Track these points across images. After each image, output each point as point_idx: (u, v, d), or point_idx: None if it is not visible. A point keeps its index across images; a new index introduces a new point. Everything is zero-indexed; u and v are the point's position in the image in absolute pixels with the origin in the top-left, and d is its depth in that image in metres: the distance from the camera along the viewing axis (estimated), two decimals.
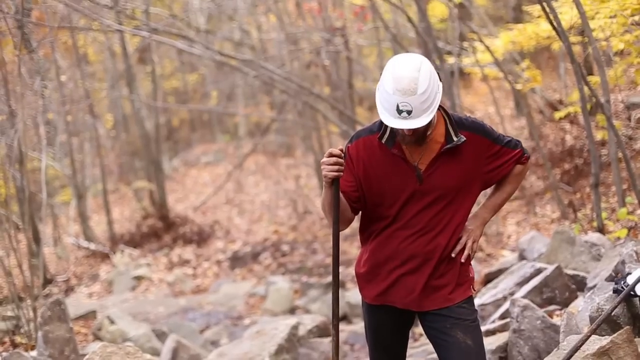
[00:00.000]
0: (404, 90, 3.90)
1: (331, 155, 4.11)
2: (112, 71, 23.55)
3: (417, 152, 4.16)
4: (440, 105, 4.16)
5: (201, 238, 19.05)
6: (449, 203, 4.20)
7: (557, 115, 12.07)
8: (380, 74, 13.92)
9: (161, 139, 24.34)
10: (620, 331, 4.52)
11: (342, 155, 4.13)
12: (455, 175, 4.17)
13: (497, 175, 4.30)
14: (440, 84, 4.05)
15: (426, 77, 3.92)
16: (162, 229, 19.89)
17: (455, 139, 4.15)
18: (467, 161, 4.19)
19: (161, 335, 11.02)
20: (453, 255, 4.24)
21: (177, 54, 26.20)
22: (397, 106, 3.93)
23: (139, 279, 16.46)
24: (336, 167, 4.10)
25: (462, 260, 4.26)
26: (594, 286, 5.59)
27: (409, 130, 4.01)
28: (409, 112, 3.92)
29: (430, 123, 4.06)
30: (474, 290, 4.38)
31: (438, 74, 4.07)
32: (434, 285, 4.24)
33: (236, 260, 17.17)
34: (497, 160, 4.27)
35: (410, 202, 4.21)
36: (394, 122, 3.97)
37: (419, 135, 4.07)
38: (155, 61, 23.76)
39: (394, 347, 4.47)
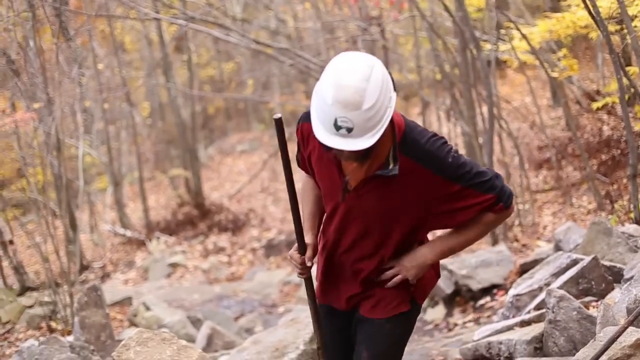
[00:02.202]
0: (347, 102, 3.17)
1: (298, 262, 3.78)
2: (148, 59, 23.67)
3: (354, 163, 3.50)
4: (392, 117, 3.45)
5: (236, 226, 19.14)
6: (371, 232, 3.65)
7: (595, 105, 11.96)
8: (416, 63, 13.74)
9: (197, 127, 24.48)
10: None
11: (305, 260, 3.75)
12: (383, 205, 3.56)
13: (454, 220, 3.62)
14: (394, 95, 3.32)
15: (376, 88, 3.20)
16: (197, 217, 20.02)
17: (390, 166, 3.47)
18: (406, 194, 3.53)
19: (196, 322, 11.09)
20: (376, 280, 3.78)
21: (214, 43, 26.28)
22: (336, 120, 3.20)
23: (174, 266, 16.57)
24: (300, 272, 3.82)
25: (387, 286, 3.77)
26: (631, 278, 5.53)
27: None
28: (349, 130, 3.20)
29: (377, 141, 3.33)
30: (419, 302, 3.90)
31: (392, 80, 3.36)
32: (361, 296, 3.86)
33: (271, 249, 17.24)
34: (456, 203, 3.54)
35: (336, 213, 3.72)
36: (329, 139, 3.25)
37: (361, 155, 3.36)
38: (192, 49, 23.88)
39: (334, 349, 4.02)
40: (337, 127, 3.21)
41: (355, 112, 3.17)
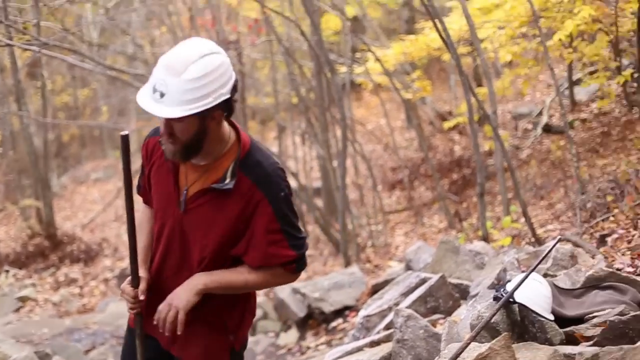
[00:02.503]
0: (169, 66, 3.16)
1: (130, 296, 3.53)
2: (0, 87, 22.95)
3: (193, 174, 3.44)
4: (239, 134, 3.44)
5: (89, 256, 18.67)
6: (196, 254, 3.47)
7: (446, 126, 12.17)
8: (273, 88, 13.75)
9: (50, 155, 23.83)
10: (498, 337, 4.45)
11: (137, 294, 3.51)
12: (211, 223, 3.41)
13: (253, 261, 3.46)
14: (226, 94, 3.24)
15: (205, 68, 3.15)
16: (48, 248, 19.44)
17: (226, 180, 3.36)
18: (235, 215, 3.39)
19: (44, 357, 10.63)
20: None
21: (69, 69, 25.70)
22: (155, 83, 3.19)
23: (23, 299, 16.02)
24: (132, 306, 3.55)
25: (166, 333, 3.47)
26: (477, 294, 5.57)
27: (164, 126, 3.27)
28: (162, 95, 3.16)
29: (197, 140, 3.29)
30: (238, 350, 3.69)
31: (236, 84, 3.32)
32: (184, 333, 3.50)
33: (124, 278, 16.55)
34: (264, 246, 3.41)
35: (164, 231, 3.54)
36: (143, 99, 3.22)
37: (180, 147, 3.30)
38: (46, 76, 23.24)
39: None
40: (154, 90, 3.19)
41: (173, 78, 3.15)
